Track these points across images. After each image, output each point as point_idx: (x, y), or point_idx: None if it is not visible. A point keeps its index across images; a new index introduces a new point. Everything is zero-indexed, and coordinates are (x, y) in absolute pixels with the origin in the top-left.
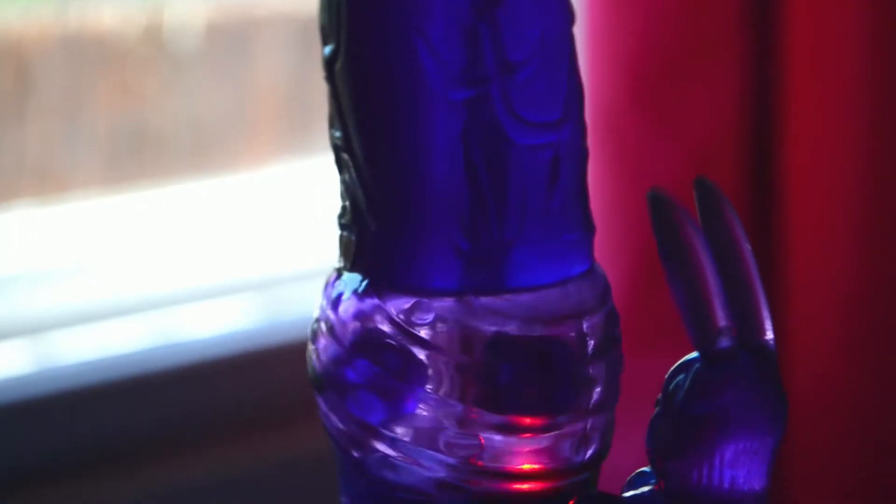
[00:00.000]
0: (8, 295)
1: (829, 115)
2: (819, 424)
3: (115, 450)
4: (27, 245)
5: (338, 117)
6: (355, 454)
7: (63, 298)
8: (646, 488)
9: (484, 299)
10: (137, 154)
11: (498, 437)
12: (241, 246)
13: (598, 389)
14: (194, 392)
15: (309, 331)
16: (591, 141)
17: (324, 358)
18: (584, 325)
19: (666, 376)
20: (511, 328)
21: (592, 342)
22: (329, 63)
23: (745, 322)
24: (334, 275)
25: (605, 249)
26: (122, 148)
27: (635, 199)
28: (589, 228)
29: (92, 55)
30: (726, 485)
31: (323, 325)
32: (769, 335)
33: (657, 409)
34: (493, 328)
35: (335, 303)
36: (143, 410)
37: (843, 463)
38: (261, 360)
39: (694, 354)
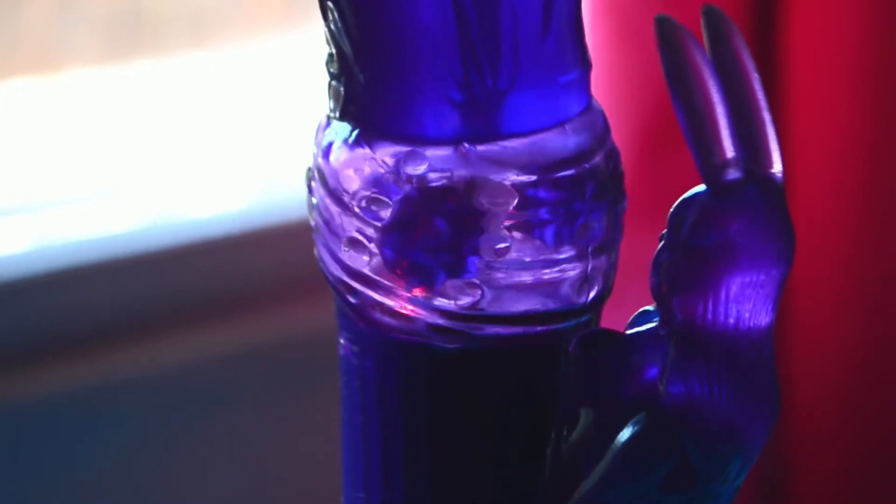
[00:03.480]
0: (5, 172)
1: (829, 115)
2: (819, 424)
3: (114, 328)
4: (23, 122)
5: None
6: (352, 300)
7: (60, 176)
8: (649, 325)
9: (479, 147)
10: (135, 33)
11: (498, 283)
12: (241, 123)
13: (600, 230)
14: (191, 271)
15: (305, 179)
16: (594, 13)
17: (318, 206)
18: (585, 167)
19: (671, 210)
20: (508, 175)
21: (593, 183)
22: None
23: (753, 153)
24: (325, 121)
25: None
26: (118, 27)
27: (639, 70)
28: (585, 66)
29: None
30: (731, 320)
31: (315, 174)
32: (777, 167)
33: (662, 242)
34: (489, 176)
35: (326, 152)
36: (140, 289)
37: (843, 464)
38: (259, 240)
39: (700, 187)
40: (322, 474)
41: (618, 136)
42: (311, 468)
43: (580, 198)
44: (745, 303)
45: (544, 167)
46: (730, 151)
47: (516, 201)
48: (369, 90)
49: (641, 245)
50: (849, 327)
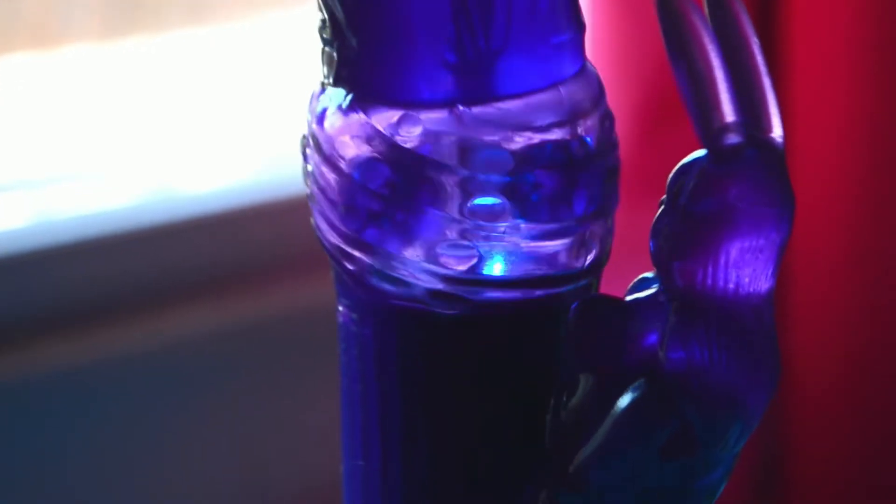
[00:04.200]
0: (4, 148)
1: (828, 116)
2: (820, 422)
3: (111, 304)
4: (23, 98)
5: None
6: (349, 267)
7: (59, 152)
8: (649, 291)
9: (474, 109)
10: (134, 9)
11: (495, 247)
12: (238, 99)
13: (597, 194)
14: (189, 247)
15: (300, 147)
16: None
17: (313, 173)
18: (579, 129)
19: (671, 175)
20: (504, 137)
21: (588, 146)
22: None
23: (753, 118)
24: (319, 88)
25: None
26: (118, 3)
27: (637, 37)
28: (579, 27)
29: None
30: (731, 285)
31: (310, 140)
32: (777, 132)
33: (661, 208)
34: (484, 138)
35: (320, 118)
36: (138, 265)
37: (843, 463)
38: (257, 215)
39: (700, 152)
40: (321, 448)
41: (616, 107)
42: (310, 443)
43: (575, 160)
44: (744, 268)
45: (539, 128)
46: (729, 116)
47: (511, 163)
48: (362, 54)
49: (641, 216)
50: (849, 299)
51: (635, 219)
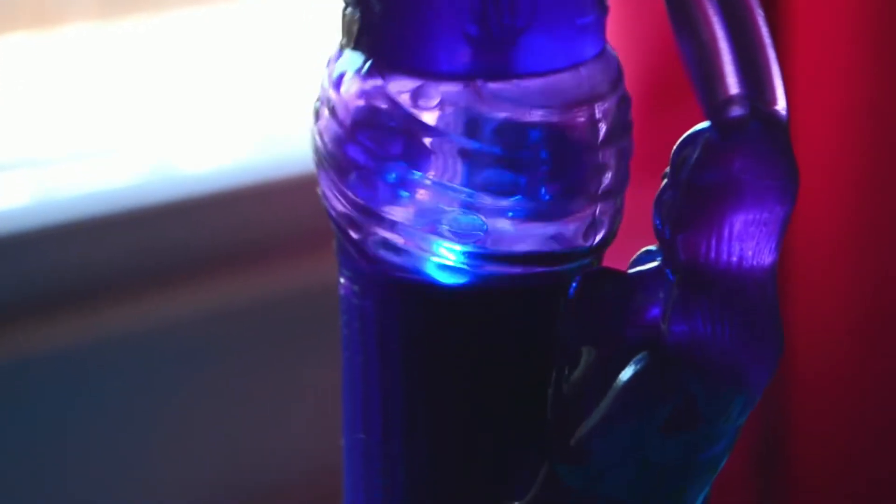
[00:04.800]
0: (4, 127)
1: (829, 115)
2: (821, 401)
3: (114, 283)
4: (23, 77)
5: None
6: (354, 236)
7: (59, 131)
8: (652, 265)
9: (492, 85)
10: None
11: (503, 222)
12: (240, 79)
13: (609, 175)
14: (191, 226)
15: (312, 110)
16: None
17: (325, 138)
18: (597, 111)
19: (674, 148)
20: (521, 114)
21: (604, 128)
22: None
23: (757, 91)
24: (337, 52)
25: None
26: None
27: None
28: (602, 9)
29: None
30: (735, 258)
31: (325, 105)
32: (781, 104)
33: (664, 181)
34: (501, 114)
35: (337, 82)
36: (140, 244)
37: (844, 442)
38: (259, 194)
39: (703, 124)
40: (321, 429)
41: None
42: (310, 423)
43: (592, 141)
44: (748, 241)
45: (557, 108)
46: (734, 88)
47: (525, 140)
48: (384, 20)
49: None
50: (850, 271)
51: (638, 198)
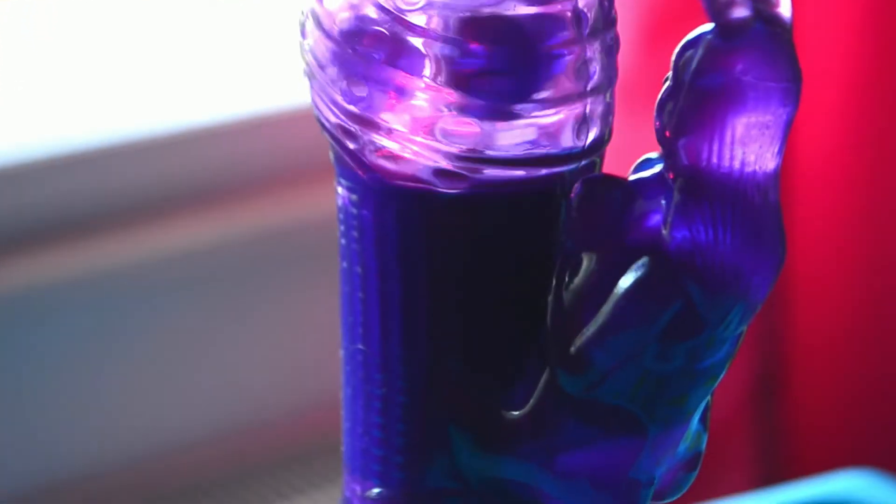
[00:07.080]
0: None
1: (828, 116)
2: (820, 329)
3: (111, 215)
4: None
5: None
6: (350, 145)
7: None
8: (653, 170)
9: None
10: None
11: (496, 123)
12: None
13: (596, 68)
14: (187, 158)
15: (298, 23)
16: None
17: (315, 50)
18: (580, 2)
19: (676, 50)
20: (505, 7)
21: (588, 20)
22: None
23: None
24: None
25: None
26: None
27: None
28: None
29: None
30: (737, 163)
31: (310, 17)
32: (785, 6)
33: (666, 84)
34: (486, 10)
35: None
36: (137, 176)
37: (843, 369)
38: (254, 127)
39: (706, 26)
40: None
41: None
42: (309, 353)
43: (578, 33)
44: (750, 144)
45: (540, 1)
46: None
47: (513, 35)
48: None
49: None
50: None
51: (636, 129)
